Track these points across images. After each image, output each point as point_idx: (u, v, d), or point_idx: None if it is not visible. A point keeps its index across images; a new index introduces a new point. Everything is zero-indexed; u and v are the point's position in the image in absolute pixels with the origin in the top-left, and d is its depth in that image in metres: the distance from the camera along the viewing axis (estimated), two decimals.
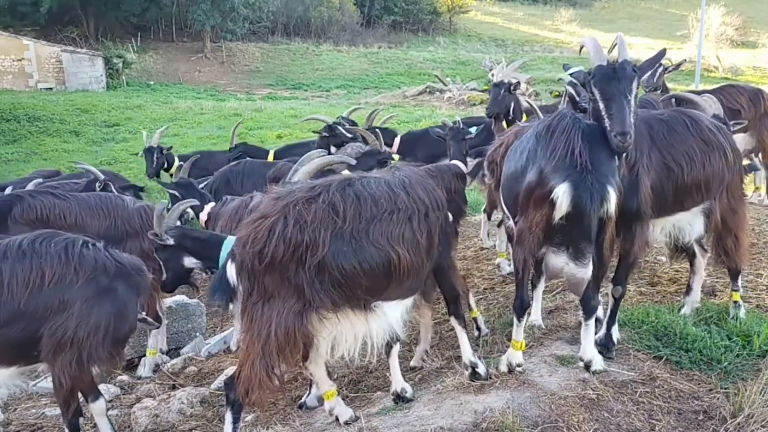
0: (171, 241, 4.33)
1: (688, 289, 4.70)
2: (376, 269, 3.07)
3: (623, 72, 3.38)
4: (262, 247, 2.96)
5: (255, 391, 3.09)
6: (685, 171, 3.76)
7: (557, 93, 6.76)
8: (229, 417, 3.28)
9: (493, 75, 8.09)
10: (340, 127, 8.24)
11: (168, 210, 4.56)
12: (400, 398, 3.75)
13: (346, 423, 3.58)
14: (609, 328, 3.97)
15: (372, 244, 3.04)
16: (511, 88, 6.71)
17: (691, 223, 4.02)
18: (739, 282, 4.53)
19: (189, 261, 4.42)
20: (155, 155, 9.02)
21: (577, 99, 5.61)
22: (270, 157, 9.22)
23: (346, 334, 3.20)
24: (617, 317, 4.03)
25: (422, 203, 3.30)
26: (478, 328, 4.75)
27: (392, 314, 3.26)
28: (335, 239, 2.98)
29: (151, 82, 33.87)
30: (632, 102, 3.35)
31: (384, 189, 3.18)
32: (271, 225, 2.97)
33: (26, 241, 3.40)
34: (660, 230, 4.01)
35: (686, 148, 3.79)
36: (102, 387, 4.30)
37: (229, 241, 4.21)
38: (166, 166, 9.30)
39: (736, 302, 4.50)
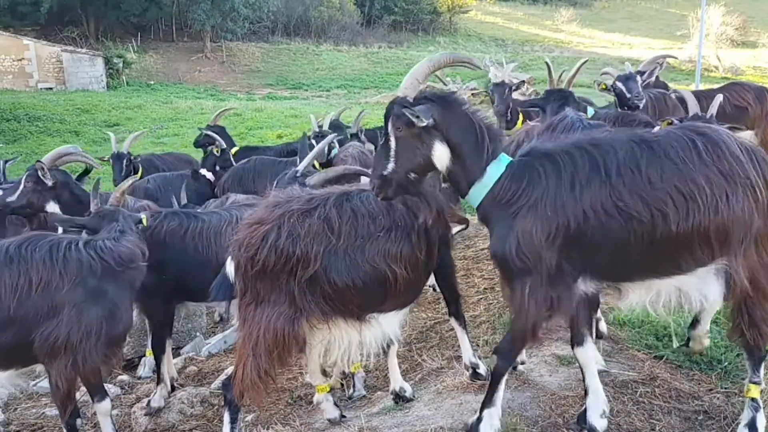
0: (50, 183, 4.37)
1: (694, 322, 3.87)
2: (370, 287, 3.02)
3: (390, 109, 2.87)
4: (254, 254, 2.95)
5: (249, 392, 3.10)
6: (672, 218, 2.70)
7: (605, 86, 6.70)
8: (227, 417, 3.30)
9: (494, 76, 8.12)
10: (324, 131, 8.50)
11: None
12: (399, 398, 3.75)
13: (329, 420, 3.66)
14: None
15: (368, 262, 2.98)
16: (512, 88, 6.74)
17: (700, 289, 2.93)
18: (761, 371, 3.14)
19: (52, 207, 4.40)
20: (124, 162, 8.23)
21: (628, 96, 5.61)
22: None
23: (339, 341, 3.18)
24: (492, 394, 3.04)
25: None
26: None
27: (388, 324, 3.22)
28: (328, 255, 2.94)
29: (152, 82, 33.87)
30: (391, 145, 2.85)
31: (382, 204, 3.07)
32: (264, 233, 2.96)
33: (13, 246, 3.34)
34: (646, 297, 2.99)
35: (681, 184, 2.71)
36: None
37: None
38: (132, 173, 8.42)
39: (753, 400, 3.12)
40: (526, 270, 2.79)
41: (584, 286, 2.92)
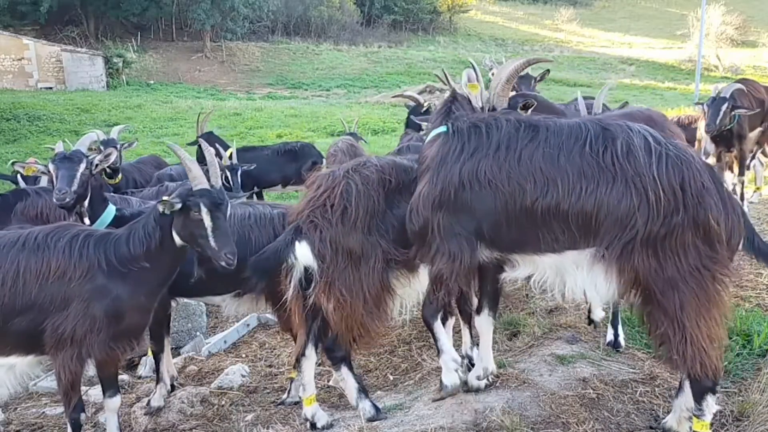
0: (95, 169, 4.38)
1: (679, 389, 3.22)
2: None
3: None
4: (344, 207, 3.27)
5: (363, 338, 3.43)
6: (529, 193, 2.86)
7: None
8: (345, 369, 3.58)
9: (493, 74, 8.13)
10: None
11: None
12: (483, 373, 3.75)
13: (323, 428, 3.62)
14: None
15: (405, 202, 3.34)
16: (536, 79, 6.80)
17: (578, 276, 2.97)
18: (707, 405, 2.92)
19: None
20: None
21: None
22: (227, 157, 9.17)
23: (413, 287, 3.51)
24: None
25: None
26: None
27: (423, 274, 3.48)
28: (387, 197, 3.37)
29: (151, 82, 33.86)
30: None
31: (407, 163, 3.58)
32: (343, 189, 3.31)
33: (42, 234, 3.46)
34: (534, 273, 3.14)
35: (546, 165, 2.85)
36: None
37: (111, 211, 4.32)
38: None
39: None
40: (416, 232, 3.19)
41: (482, 253, 3.16)
